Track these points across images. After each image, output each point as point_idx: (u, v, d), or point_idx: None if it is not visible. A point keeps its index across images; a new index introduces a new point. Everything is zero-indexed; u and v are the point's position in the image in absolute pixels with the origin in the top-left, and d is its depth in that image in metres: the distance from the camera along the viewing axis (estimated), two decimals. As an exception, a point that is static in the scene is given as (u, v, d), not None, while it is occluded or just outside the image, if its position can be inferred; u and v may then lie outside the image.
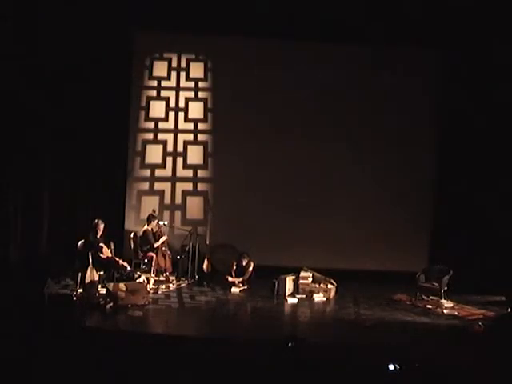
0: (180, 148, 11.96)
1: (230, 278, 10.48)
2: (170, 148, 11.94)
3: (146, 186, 11.98)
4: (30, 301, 8.56)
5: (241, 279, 10.48)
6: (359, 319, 9.04)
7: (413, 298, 10.11)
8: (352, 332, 8.45)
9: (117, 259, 9.79)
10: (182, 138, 11.96)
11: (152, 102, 11.94)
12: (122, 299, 8.90)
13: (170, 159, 11.95)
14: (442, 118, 11.77)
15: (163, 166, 11.95)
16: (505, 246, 10.93)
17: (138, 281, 9.69)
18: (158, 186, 11.99)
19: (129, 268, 9.87)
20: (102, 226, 9.76)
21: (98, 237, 9.71)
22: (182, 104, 11.95)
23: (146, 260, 10.39)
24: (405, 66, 11.75)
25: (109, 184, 11.63)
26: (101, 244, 9.63)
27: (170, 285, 10.47)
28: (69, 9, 10.78)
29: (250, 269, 10.50)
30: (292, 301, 9.93)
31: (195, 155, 11.98)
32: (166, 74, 11.96)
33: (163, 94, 11.96)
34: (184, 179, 11.98)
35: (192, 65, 11.99)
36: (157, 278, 10.49)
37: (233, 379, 6.43)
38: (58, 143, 11.19)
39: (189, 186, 11.99)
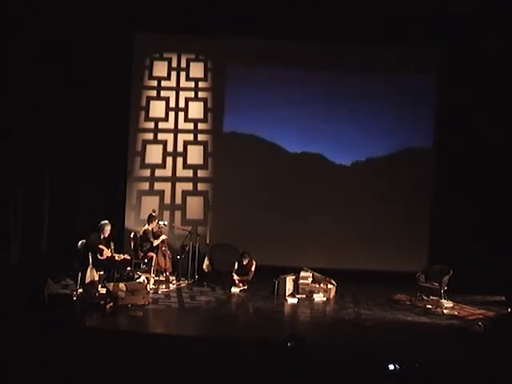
0: (180, 148, 11.96)
1: (235, 277, 10.44)
2: (170, 148, 11.94)
3: (146, 186, 11.98)
4: (29, 301, 8.56)
5: (245, 278, 10.45)
6: (359, 319, 9.03)
7: (413, 298, 10.10)
8: (352, 332, 8.44)
9: (116, 257, 9.79)
10: (181, 137, 11.96)
11: (152, 102, 11.94)
12: (122, 299, 8.90)
13: (169, 159, 11.95)
14: (442, 117, 11.77)
15: (163, 166, 11.95)
16: (505, 245, 10.92)
17: (137, 281, 9.70)
18: (157, 185, 11.99)
19: (129, 257, 9.95)
20: (107, 228, 9.77)
21: (101, 238, 9.72)
22: (182, 104, 11.95)
23: (146, 260, 10.39)
24: (405, 65, 11.76)
25: (109, 184, 11.64)
26: (100, 246, 9.62)
27: (170, 285, 10.47)
28: (69, 9, 10.78)
29: (253, 268, 10.48)
30: (292, 301, 9.93)
31: (195, 155, 11.98)
32: (165, 74, 11.96)
33: (163, 94, 11.96)
34: (184, 179, 11.99)
35: (192, 65, 11.99)
36: (157, 278, 10.48)
37: (233, 379, 6.43)
38: (57, 143, 11.19)
39: (189, 186, 11.99)
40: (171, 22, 11.29)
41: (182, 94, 11.97)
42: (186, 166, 11.98)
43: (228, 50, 11.79)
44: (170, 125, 11.95)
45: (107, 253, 9.69)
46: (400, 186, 11.88)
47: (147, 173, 11.97)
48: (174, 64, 11.97)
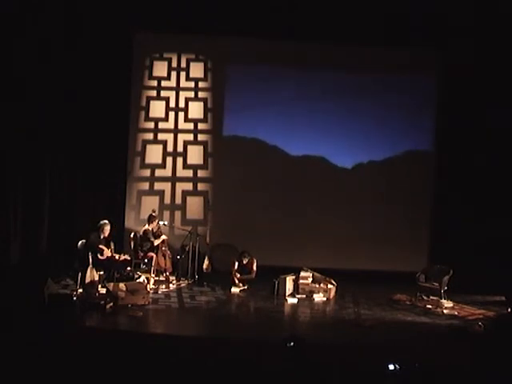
0: (180, 148, 11.96)
1: (238, 275, 10.43)
2: (170, 148, 11.94)
3: (146, 186, 11.98)
4: (29, 301, 8.56)
5: (248, 277, 10.43)
6: (359, 319, 9.03)
7: (413, 298, 10.10)
8: (352, 332, 8.44)
9: (117, 257, 9.79)
10: (181, 137, 11.96)
11: (152, 102, 11.93)
12: (122, 299, 8.90)
13: (169, 159, 11.95)
14: (442, 117, 11.77)
15: (163, 166, 11.95)
16: (505, 245, 10.92)
17: (137, 281, 9.70)
18: (158, 186, 11.99)
19: (129, 258, 9.95)
20: (106, 228, 9.76)
21: (101, 238, 9.71)
22: (182, 104, 11.94)
23: (146, 260, 10.39)
24: (405, 65, 11.77)
25: (109, 184, 11.64)
26: (100, 246, 9.62)
27: (170, 285, 10.46)
28: (69, 9, 10.79)
29: (255, 267, 10.47)
30: (292, 301, 9.93)
31: (195, 155, 11.98)
32: (165, 74, 11.96)
33: (163, 94, 11.96)
34: (184, 179, 11.99)
35: (192, 65, 11.99)
36: (157, 278, 10.48)
37: (233, 379, 6.43)
38: (57, 143, 11.19)
39: (189, 186, 11.99)
40: (171, 22, 11.29)
41: (182, 94, 11.97)
42: (186, 165, 11.97)
43: (228, 49, 11.79)
44: (170, 125, 11.95)
45: (107, 253, 9.69)
46: (400, 186, 11.88)
47: (147, 173, 11.97)
48: (174, 64, 11.97)
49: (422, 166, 11.88)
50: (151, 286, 10.04)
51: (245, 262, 10.49)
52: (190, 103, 11.97)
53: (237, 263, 10.51)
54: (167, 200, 11.95)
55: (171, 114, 11.95)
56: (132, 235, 10.72)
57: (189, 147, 11.99)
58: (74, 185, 11.47)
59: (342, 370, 6.58)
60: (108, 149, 11.46)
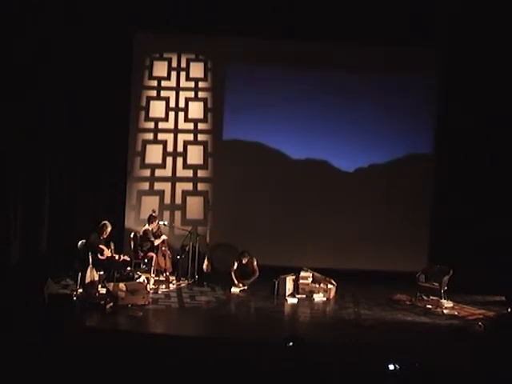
0: (180, 148, 11.96)
1: (243, 281, 10.40)
2: (170, 148, 11.94)
3: (146, 186, 11.99)
4: (29, 301, 8.56)
5: (252, 279, 10.42)
6: (359, 319, 9.03)
7: (413, 298, 10.10)
8: (352, 332, 8.44)
9: (117, 257, 9.79)
10: (181, 138, 11.97)
11: (152, 102, 11.93)
12: (122, 299, 8.90)
13: (169, 159, 11.96)
14: (442, 118, 11.77)
15: (163, 166, 11.95)
16: (505, 245, 10.92)
17: (137, 281, 9.70)
18: (158, 186, 11.99)
19: (128, 259, 9.95)
20: (108, 229, 9.77)
21: (101, 238, 9.71)
22: (182, 104, 11.95)
23: (146, 260, 10.39)
24: (405, 65, 11.77)
25: (109, 184, 11.64)
26: (101, 246, 9.63)
27: (170, 285, 10.46)
28: (69, 9, 10.79)
29: (256, 266, 10.45)
30: (292, 301, 9.93)
31: (195, 155, 11.98)
32: (165, 74, 11.96)
33: (163, 94, 11.96)
34: (184, 179, 11.99)
35: (192, 65, 11.99)
36: (157, 278, 10.48)
37: (233, 379, 6.43)
38: (57, 143, 11.19)
39: (189, 186, 12.00)
40: (171, 22, 11.30)
41: (182, 94, 11.97)
42: (186, 166, 11.98)
43: (228, 49, 11.78)
44: (170, 125, 11.95)
45: (107, 253, 9.70)
46: (400, 186, 11.88)
47: (147, 173, 11.97)
48: (174, 64, 11.97)
49: (422, 166, 11.87)
50: (151, 285, 10.04)
51: (244, 262, 10.49)
52: (190, 103, 11.97)
53: (236, 263, 10.52)
54: (167, 200, 11.95)
55: (171, 114, 11.95)
56: (132, 235, 10.72)
57: (189, 147, 11.99)
58: (74, 185, 11.48)
59: (342, 370, 6.59)
60: (108, 149, 11.46)
